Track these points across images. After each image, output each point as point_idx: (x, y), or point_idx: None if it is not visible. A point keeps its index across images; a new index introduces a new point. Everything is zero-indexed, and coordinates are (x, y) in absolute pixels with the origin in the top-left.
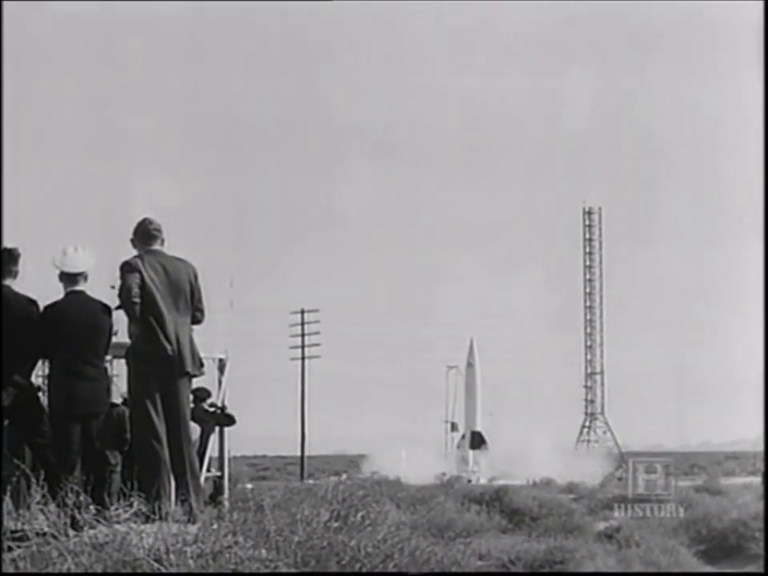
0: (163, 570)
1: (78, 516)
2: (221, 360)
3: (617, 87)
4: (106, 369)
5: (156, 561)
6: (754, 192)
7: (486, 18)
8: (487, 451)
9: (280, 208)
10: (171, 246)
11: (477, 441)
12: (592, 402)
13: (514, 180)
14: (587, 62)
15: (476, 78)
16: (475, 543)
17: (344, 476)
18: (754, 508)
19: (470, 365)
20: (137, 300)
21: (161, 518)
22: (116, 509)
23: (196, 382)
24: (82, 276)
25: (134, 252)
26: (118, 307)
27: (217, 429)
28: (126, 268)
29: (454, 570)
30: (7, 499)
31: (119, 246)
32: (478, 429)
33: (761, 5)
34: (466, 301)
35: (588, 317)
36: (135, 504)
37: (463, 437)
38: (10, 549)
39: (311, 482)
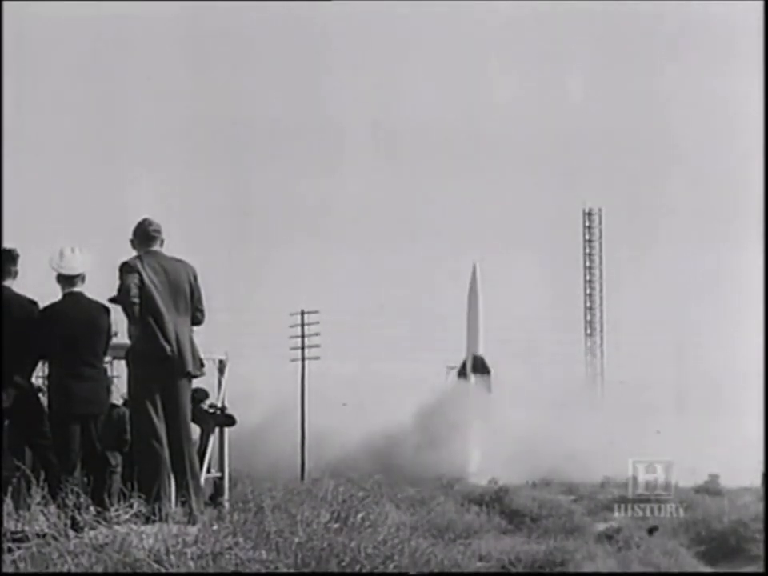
0: (163, 571)
1: (78, 517)
2: (221, 361)
3: (617, 87)
4: (105, 369)
5: (156, 562)
6: (755, 192)
7: (488, 16)
8: (489, 377)
9: (280, 208)
10: (171, 246)
11: (479, 365)
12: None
13: (513, 180)
14: (588, 61)
15: (476, 77)
16: (475, 544)
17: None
18: (754, 509)
19: (472, 289)
20: (136, 300)
21: (161, 519)
22: (116, 510)
23: (195, 383)
24: (80, 277)
25: (134, 253)
26: (112, 299)
27: (217, 429)
28: (125, 269)
29: (454, 571)
30: (7, 500)
31: (119, 246)
32: (480, 353)
33: (761, 5)
34: (465, 302)
35: (588, 318)
36: (135, 505)
37: (465, 362)
38: (10, 550)
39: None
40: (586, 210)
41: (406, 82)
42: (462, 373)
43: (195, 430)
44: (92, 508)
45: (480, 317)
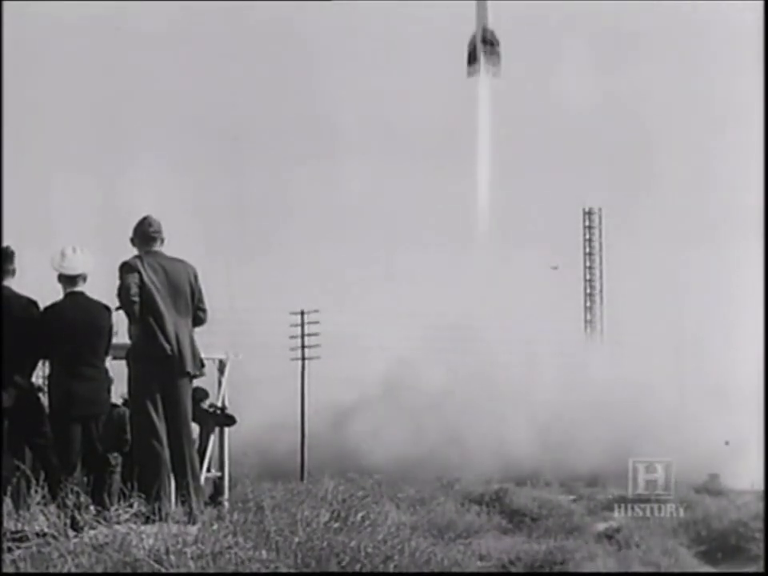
0: (163, 571)
1: (78, 517)
2: (221, 361)
3: (617, 87)
4: (106, 369)
5: (156, 562)
6: (755, 192)
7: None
8: (498, 59)
9: (280, 208)
10: (171, 246)
11: (488, 37)
12: None
13: (513, 180)
14: (587, 60)
15: (475, 77)
16: (475, 544)
17: None
18: (754, 509)
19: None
20: (136, 299)
21: (161, 519)
22: (116, 509)
23: (195, 383)
24: (81, 277)
25: (134, 251)
26: (119, 308)
27: (217, 429)
28: (125, 268)
29: (454, 570)
30: (7, 500)
31: (119, 246)
32: (490, 27)
33: (761, 5)
34: (466, 302)
35: (588, 317)
36: (135, 505)
37: (473, 37)
38: (10, 549)
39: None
40: (586, 210)
41: (404, 83)
42: (472, 50)
43: (195, 430)
44: (92, 508)
45: None
